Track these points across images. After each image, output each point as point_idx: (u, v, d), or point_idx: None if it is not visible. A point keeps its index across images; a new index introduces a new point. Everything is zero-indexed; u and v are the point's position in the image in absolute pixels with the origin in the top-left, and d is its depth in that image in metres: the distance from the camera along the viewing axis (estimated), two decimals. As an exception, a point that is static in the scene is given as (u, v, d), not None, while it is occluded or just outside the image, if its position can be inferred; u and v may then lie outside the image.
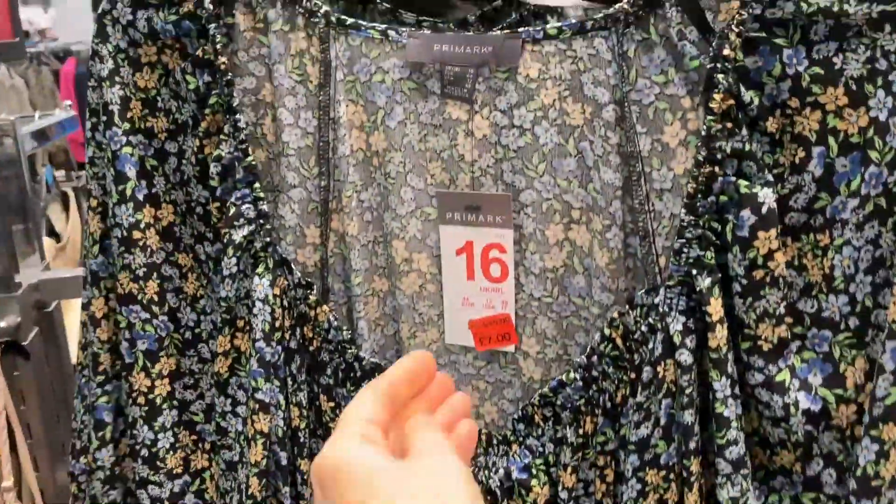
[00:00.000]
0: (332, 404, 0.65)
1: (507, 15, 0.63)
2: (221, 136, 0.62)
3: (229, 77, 0.61)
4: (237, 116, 0.61)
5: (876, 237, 0.50)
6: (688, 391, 0.53)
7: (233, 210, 0.62)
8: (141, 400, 0.66)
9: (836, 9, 0.48)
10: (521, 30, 0.56)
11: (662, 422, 0.55)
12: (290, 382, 0.64)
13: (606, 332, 0.58)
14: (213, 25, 0.60)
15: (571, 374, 0.59)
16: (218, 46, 0.60)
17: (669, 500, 0.56)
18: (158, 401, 0.66)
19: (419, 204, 0.61)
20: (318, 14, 0.60)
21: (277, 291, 0.63)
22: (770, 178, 0.52)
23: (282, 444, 0.63)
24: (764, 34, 0.51)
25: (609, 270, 0.57)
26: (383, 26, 0.59)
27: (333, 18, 0.59)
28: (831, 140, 0.51)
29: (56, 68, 4.03)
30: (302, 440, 0.65)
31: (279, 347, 0.63)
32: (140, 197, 0.65)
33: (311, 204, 0.63)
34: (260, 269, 0.62)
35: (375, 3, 0.66)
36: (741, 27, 0.50)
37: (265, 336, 0.62)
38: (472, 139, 0.59)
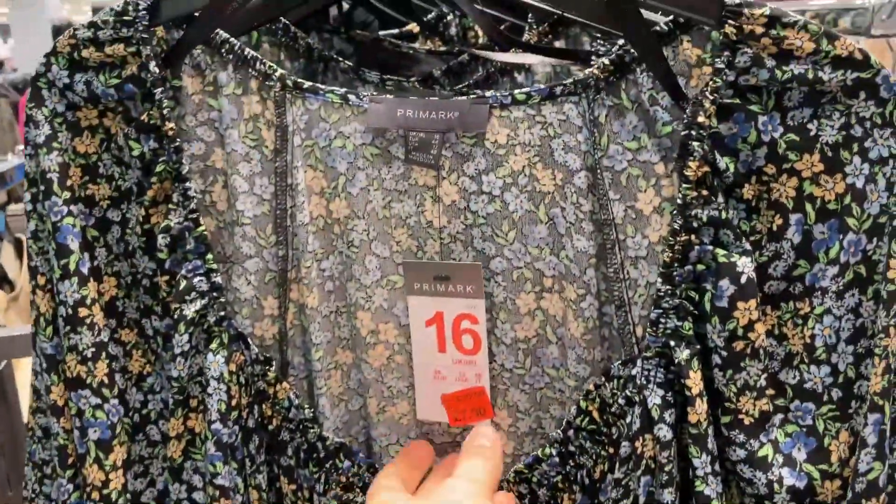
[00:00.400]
0: (293, 486, 0.62)
1: (474, 70, 0.61)
2: (170, 206, 0.58)
3: (177, 143, 0.57)
4: (186, 184, 0.58)
5: (856, 305, 0.49)
6: (667, 468, 0.51)
7: (184, 283, 0.58)
8: (95, 495, 0.60)
9: (810, 76, 0.48)
10: (488, 94, 0.54)
11: (642, 500, 0.52)
12: (248, 464, 0.60)
13: (583, 404, 0.56)
14: (159, 90, 0.56)
15: (547, 450, 0.57)
16: (165, 111, 0.56)
17: None
18: (114, 496, 0.61)
19: (385, 272, 0.59)
20: (273, 77, 0.57)
21: (233, 368, 0.59)
22: (748, 246, 0.50)
23: None
24: (738, 101, 0.50)
25: (584, 341, 0.55)
26: (342, 90, 0.56)
27: (289, 82, 0.56)
28: (808, 207, 0.50)
29: (15, 100, 3.88)
30: None
31: (236, 427, 0.59)
32: (84, 271, 0.60)
33: (268, 274, 0.60)
34: (214, 346, 0.58)
35: (338, 61, 0.63)
36: (716, 94, 0.49)
37: (221, 416, 0.58)
38: (440, 205, 0.56)
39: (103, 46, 0.57)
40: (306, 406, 0.60)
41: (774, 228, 0.50)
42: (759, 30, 0.48)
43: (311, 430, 0.60)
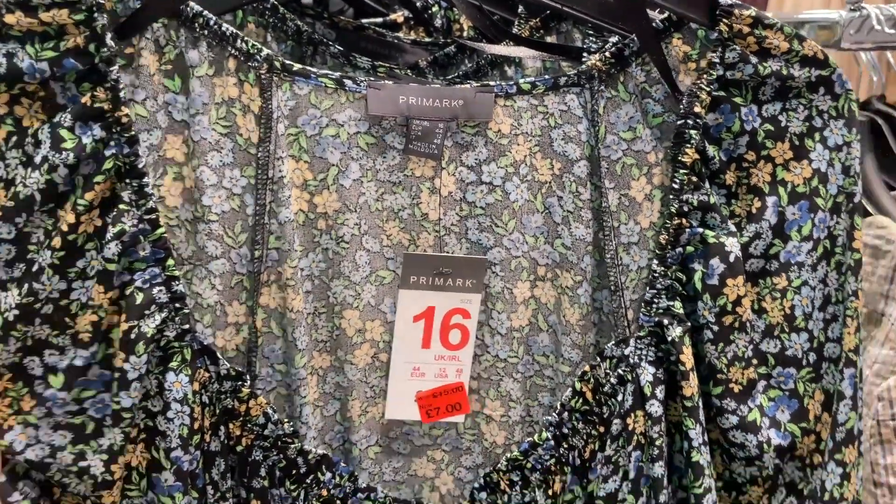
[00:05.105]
0: None
1: (461, 62, 0.59)
2: (121, 207, 0.49)
3: (132, 133, 0.49)
4: (143, 180, 0.49)
5: (825, 276, 0.56)
6: (658, 442, 0.54)
7: (141, 296, 0.50)
8: None
9: (784, 72, 0.53)
10: (492, 83, 0.53)
11: (632, 475, 0.55)
12: (210, 491, 0.54)
13: (577, 386, 0.57)
14: (115, 67, 0.48)
15: (544, 434, 0.58)
16: (121, 93, 0.48)
17: None
18: None
19: (374, 268, 0.55)
20: (258, 57, 0.51)
21: (196, 387, 0.52)
22: (733, 228, 0.55)
23: None
24: (724, 93, 0.54)
25: (579, 326, 0.57)
26: (337, 74, 0.52)
27: (277, 63, 0.51)
28: (781, 190, 0.56)
29: None
30: None
31: (198, 453, 0.52)
32: None
33: (234, 277, 0.53)
34: (175, 364, 0.51)
35: (327, 45, 0.57)
36: (711, 86, 0.53)
37: (183, 443, 0.51)
38: (437, 197, 0.54)
39: (36, 11, 0.46)
40: (285, 421, 0.55)
41: (753, 211, 0.56)
42: (746, 29, 0.52)
43: (292, 446, 0.55)
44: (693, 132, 0.53)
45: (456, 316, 0.56)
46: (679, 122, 0.54)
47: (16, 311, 0.48)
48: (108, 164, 0.48)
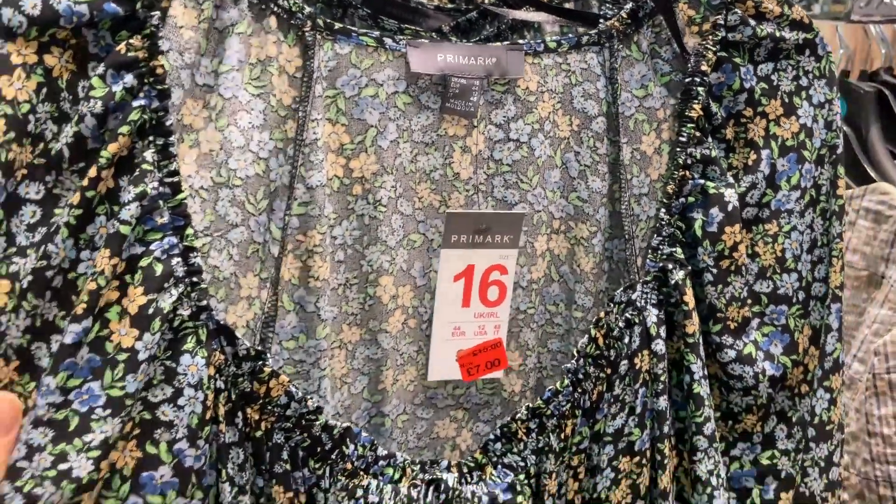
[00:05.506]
0: (289, 495, 0.53)
1: (482, 27, 0.59)
2: (144, 167, 0.46)
3: (166, 86, 0.46)
4: (171, 139, 0.46)
5: (811, 222, 0.62)
6: (662, 378, 0.59)
7: (160, 268, 0.46)
8: None
9: (777, 34, 0.58)
10: (521, 41, 0.54)
11: (637, 410, 0.59)
12: (228, 490, 0.50)
13: (592, 332, 0.60)
14: (155, 13, 0.44)
15: (565, 381, 0.60)
16: (159, 43, 0.45)
17: (641, 485, 0.61)
18: None
19: (406, 231, 0.55)
20: (301, 15, 0.48)
21: (211, 371, 0.49)
22: (731, 179, 0.60)
23: None
24: (725, 54, 0.58)
25: (592, 275, 0.60)
26: (376, 33, 0.51)
27: (320, 22, 0.49)
28: (773, 144, 0.60)
29: None
30: None
31: (206, 447, 0.49)
32: None
33: (251, 247, 0.51)
34: (189, 345, 0.47)
35: (356, 7, 0.55)
36: (716, 46, 0.57)
37: (191, 434, 0.47)
38: (468, 156, 0.55)
39: None
40: (309, 398, 0.52)
41: (749, 163, 0.60)
42: (745, -7, 0.56)
43: (316, 423, 0.52)
44: (700, 89, 0.57)
45: (494, 272, 0.57)
46: (687, 80, 0.57)
47: (30, 277, 0.44)
48: (133, 115, 0.44)
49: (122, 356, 0.45)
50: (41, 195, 0.45)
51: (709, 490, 0.59)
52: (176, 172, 0.46)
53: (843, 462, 0.83)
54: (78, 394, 0.45)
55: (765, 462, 0.63)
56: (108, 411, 0.45)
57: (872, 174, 0.89)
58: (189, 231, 0.47)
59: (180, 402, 0.46)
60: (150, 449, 0.46)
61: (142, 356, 0.46)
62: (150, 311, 0.46)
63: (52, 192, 0.45)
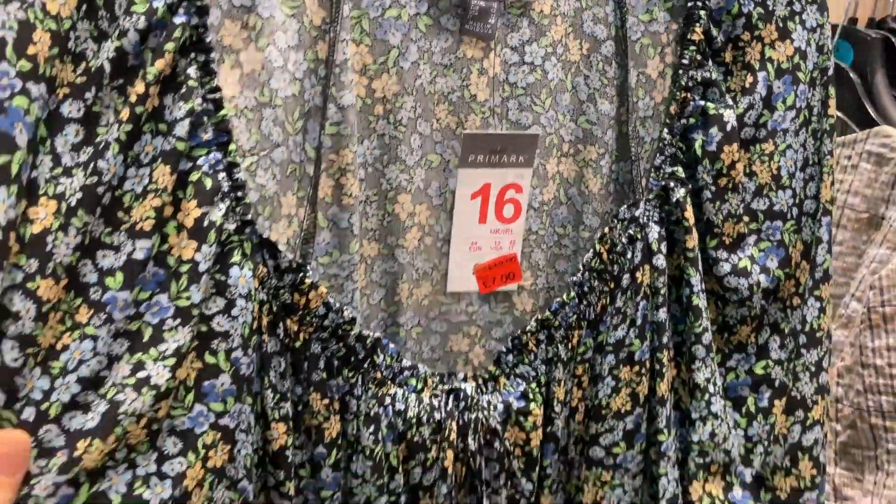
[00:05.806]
0: (325, 402, 0.56)
1: None
2: (190, 84, 0.47)
3: (205, 2, 0.46)
4: (211, 55, 0.47)
5: (804, 141, 0.65)
6: (662, 291, 0.62)
7: (210, 182, 0.48)
8: None
9: (774, -40, 0.60)
10: (535, -36, 0.56)
11: (638, 322, 0.63)
12: (270, 396, 0.53)
13: (597, 247, 0.63)
14: None
15: (571, 294, 0.63)
16: None
17: (640, 394, 0.64)
18: None
19: (424, 151, 0.57)
20: (327, -66, 0.49)
21: (256, 284, 0.51)
22: (730, 101, 0.62)
23: (248, 477, 0.52)
24: (725, -20, 0.60)
25: (600, 195, 0.62)
26: (399, -48, 0.52)
27: (346, -60, 0.50)
28: (769, 66, 0.63)
29: None
30: (290, 459, 0.55)
31: (255, 355, 0.51)
32: (24, 180, 0.43)
33: (290, 166, 0.53)
34: (237, 258, 0.49)
35: None
36: (717, -28, 0.59)
37: (244, 343, 0.50)
38: (486, 78, 0.56)
39: None
40: (345, 309, 0.55)
41: (747, 85, 0.63)
42: (742, -81, 0.58)
43: (351, 333, 0.56)
44: (702, 13, 0.59)
45: (510, 191, 0.59)
46: (690, 4, 0.59)
47: (79, 195, 0.45)
48: (177, 33, 0.45)
49: (185, 267, 0.47)
50: (82, 113, 0.45)
51: (706, 397, 0.63)
52: (217, 89, 0.47)
53: (837, 394, 0.87)
54: (148, 306, 0.46)
55: (759, 371, 0.67)
56: (178, 321, 0.47)
57: (877, 118, 0.93)
58: (232, 147, 0.48)
59: (234, 312, 0.48)
60: (210, 359, 0.48)
61: (202, 267, 0.47)
62: (205, 223, 0.47)
63: (91, 110, 0.45)
